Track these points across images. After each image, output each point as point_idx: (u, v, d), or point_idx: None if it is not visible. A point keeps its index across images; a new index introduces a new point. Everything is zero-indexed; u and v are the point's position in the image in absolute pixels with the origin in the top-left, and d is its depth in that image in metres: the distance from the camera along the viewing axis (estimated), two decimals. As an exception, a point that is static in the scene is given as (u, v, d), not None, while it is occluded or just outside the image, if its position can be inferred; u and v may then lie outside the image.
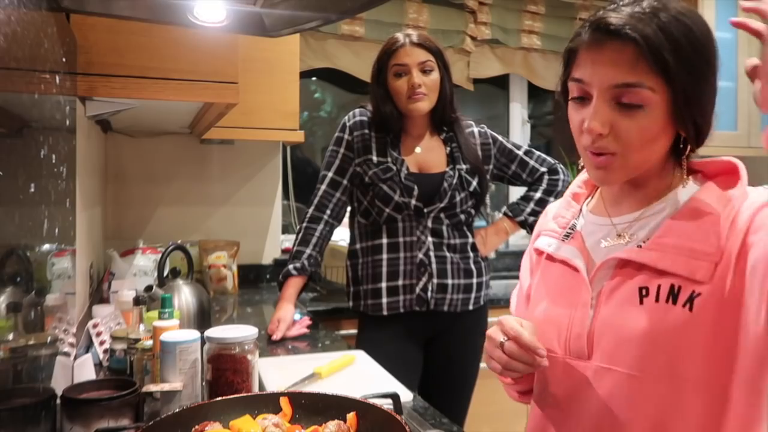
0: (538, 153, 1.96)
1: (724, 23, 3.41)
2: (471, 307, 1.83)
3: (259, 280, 2.67)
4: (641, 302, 0.79)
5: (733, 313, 0.75)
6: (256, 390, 1.08)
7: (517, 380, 0.99)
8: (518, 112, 3.28)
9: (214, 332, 1.07)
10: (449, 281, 1.79)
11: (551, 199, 1.89)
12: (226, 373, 1.05)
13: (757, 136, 3.10)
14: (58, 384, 1.03)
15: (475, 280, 1.84)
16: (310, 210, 1.84)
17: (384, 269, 1.78)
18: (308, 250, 1.80)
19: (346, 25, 2.70)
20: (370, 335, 1.82)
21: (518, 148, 1.95)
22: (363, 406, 0.89)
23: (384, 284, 1.78)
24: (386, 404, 0.95)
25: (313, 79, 3.00)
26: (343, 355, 1.45)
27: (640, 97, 0.78)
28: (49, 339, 1.01)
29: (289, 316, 1.73)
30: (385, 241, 1.79)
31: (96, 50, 1.28)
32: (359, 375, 1.38)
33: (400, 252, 1.78)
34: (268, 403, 0.93)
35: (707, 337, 0.76)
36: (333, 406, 0.91)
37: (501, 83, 3.28)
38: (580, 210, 0.96)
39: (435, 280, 1.77)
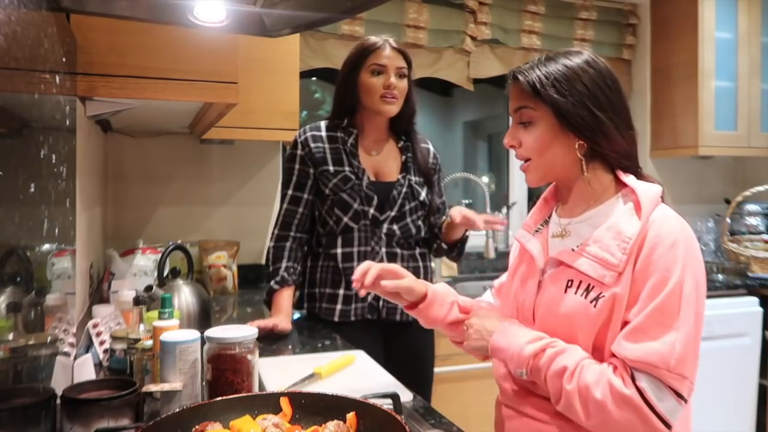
0: (446, 214, 1.93)
1: (724, 23, 3.42)
2: None
3: (259, 280, 2.66)
4: (566, 291, 1.05)
5: (620, 312, 0.99)
6: (256, 390, 1.08)
7: None
8: (518, 112, 3.28)
9: (214, 332, 1.07)
10: None
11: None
12: (226, 373, 1.05)
13: (757, 136, 3.10)
14: (58, 384, 1.03)
15: None
16: (276, 230, 1.83)
17: (342, 278, 1.79)
18: (284, 263, 1.79)
19: (346, 25, 2.70)
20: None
21: (441, 195, 1.97)
22: (363, 406, 0.90)
23: (342, 291, 1.79)
24: (386, 404, 0.95)
25: (313, 79, 3.00)
26: (343, 355, 1.45)
27: (528, 115, 1.08)
28: (49, 339, 1.01)
29: (280, 319, 1.72)
30: (339, 251, 1.79)
31: (96, 50, 1.28)
32: (359, 375, 1.38)
33: (354, 261, 1.78)
34: (268, 403, 0.94)
35: (600, 326, 1.01)
36: (333, 406, 0.91)
37: (501, 83, 3.28)
38: (551, 212, 1.20)
39: None
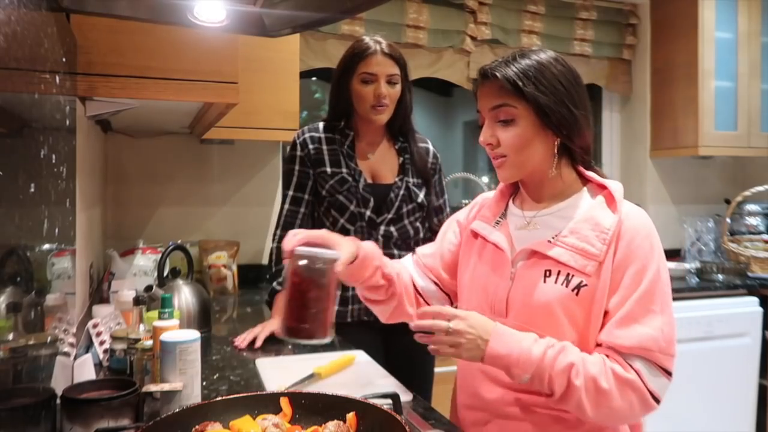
0: (446, 214, 1.93)
1: (724, 23, 3.41)
2: None
3: (259, 280, 2.66)
4: (545, 281, 1.07)
5: (602, 301, 1.04)
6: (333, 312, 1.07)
7: None
8: (518, 112, 3.28)
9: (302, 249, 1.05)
10: None
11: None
12: (309, 289, 1.03)
13: (757, 136, 3.10)
14: (58, 384, 1.03)
15: None
16: (278, 231, 1.83)
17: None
18: None
19: (346, 25, 2.70)
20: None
21: (442, 194, 1.95)
22: (363, 406, 0.90)
23: (338, 293, 1.77)
24: (386, 404, 0.95)
25: (313, 79, 3.00)
26: (343, 355, 1.45)
27: (508, 113, 1.08)
28: (49, 339, 1.01)
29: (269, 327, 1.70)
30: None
31: (96, 50, 1.28)
32: (359, 375, 1.38)
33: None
34: (268, 403, 0.94)
35: (582, 314, 1.05)
36: (333, 406, 0.92)
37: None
38: (507, 204, 1.22)
39: None
